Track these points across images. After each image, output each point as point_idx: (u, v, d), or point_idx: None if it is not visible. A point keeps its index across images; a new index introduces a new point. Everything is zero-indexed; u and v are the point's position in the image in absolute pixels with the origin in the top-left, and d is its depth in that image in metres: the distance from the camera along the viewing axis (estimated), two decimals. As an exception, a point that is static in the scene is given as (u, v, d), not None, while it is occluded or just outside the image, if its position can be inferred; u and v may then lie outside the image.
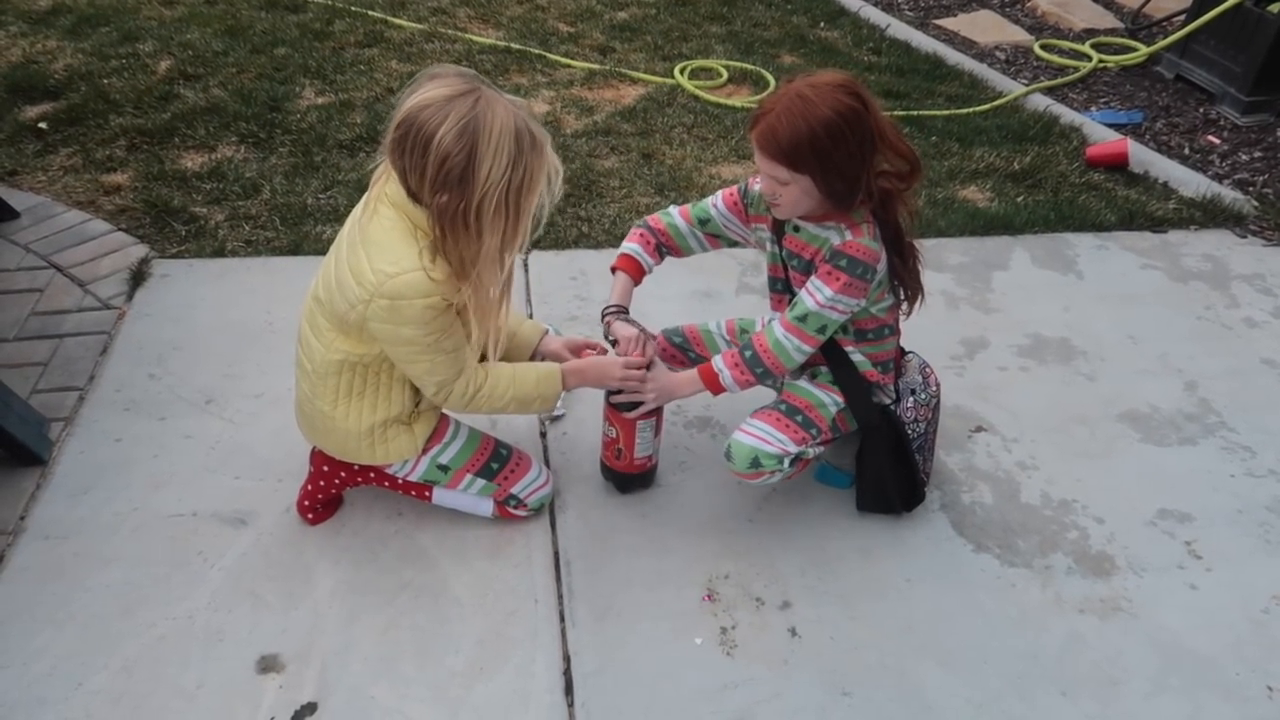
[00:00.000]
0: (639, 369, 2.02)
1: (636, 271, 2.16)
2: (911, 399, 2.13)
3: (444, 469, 2.03)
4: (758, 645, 1.95)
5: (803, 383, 2.14)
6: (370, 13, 4.73)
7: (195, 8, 4.68)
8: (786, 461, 2.01)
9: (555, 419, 2.47)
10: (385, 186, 1.73)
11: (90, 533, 2.10)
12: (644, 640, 1.95)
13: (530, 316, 2.80)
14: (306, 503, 2.13)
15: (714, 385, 2.00)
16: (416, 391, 1.94)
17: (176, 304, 2.77)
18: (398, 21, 4.68)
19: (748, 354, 1.97)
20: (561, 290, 2.93)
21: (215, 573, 2.03)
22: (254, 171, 3.40)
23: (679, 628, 1.97)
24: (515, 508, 2.13)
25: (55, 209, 3.13)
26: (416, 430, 1.98)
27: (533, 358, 2.17)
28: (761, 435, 2.01)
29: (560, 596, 2.02)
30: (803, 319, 1.91)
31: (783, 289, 2.09)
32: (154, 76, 3.98)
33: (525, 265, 3.02)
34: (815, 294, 1.89)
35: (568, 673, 1.88)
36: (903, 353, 2.22)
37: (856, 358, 2.06)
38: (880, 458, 2.11)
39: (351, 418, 1.91)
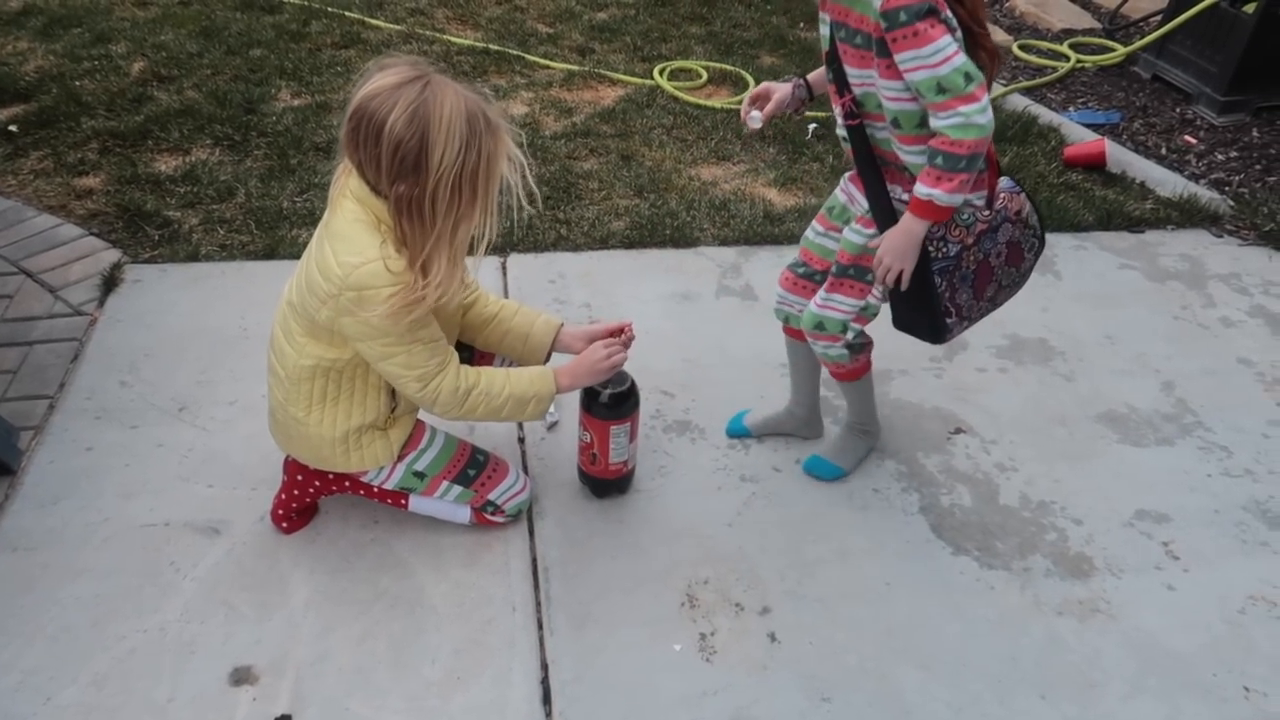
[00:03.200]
0: (617, 335, 2.00)
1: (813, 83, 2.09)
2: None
3: (420, 476, 2.01)
4: (737, 651, 1.94)
5: (846, 233, 2.04)
6: (347, 13, 4.69)
7: (169, 8, 4.63)
8: (849, 329, 2.06)
9: (551, 425, 2.45)
10: (348, 181, 1.72)
11: (60, 543, 2.07)
12: (623, 647, 1.93)
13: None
14: (280, 511, 2.10)
15: (933, 213, 1.79)
16: (392, 396, 1.91)
17: (149, 310, 2.74)
18: (375, 22, 4.64)
19: (938, 160, 1.74)
20: (540, 293, 2.91)
21: (188, 583, 2.00)
22: (229, 174, 3.37)
23: (658, 634, 1.96)
24: (493, 514, 2.11)
25: (25, 213, 3.08)
26: (392, 436, 1.96)
27: (548, 355, 2.13)
28: (824, 304, 2.06)
29: (538, 604, 2.01)
30: (942, 91, 1.68)
31: (834, 77, 1.89)
32: (127, 78, 3.93)
33: (504, 268, 3.00)
34: (920, 65, 1.67)
35: (546, 681, 1.86)
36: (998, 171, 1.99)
37: (921, 159, 1.83)
38: None
39: (325, 424, 1.88)
